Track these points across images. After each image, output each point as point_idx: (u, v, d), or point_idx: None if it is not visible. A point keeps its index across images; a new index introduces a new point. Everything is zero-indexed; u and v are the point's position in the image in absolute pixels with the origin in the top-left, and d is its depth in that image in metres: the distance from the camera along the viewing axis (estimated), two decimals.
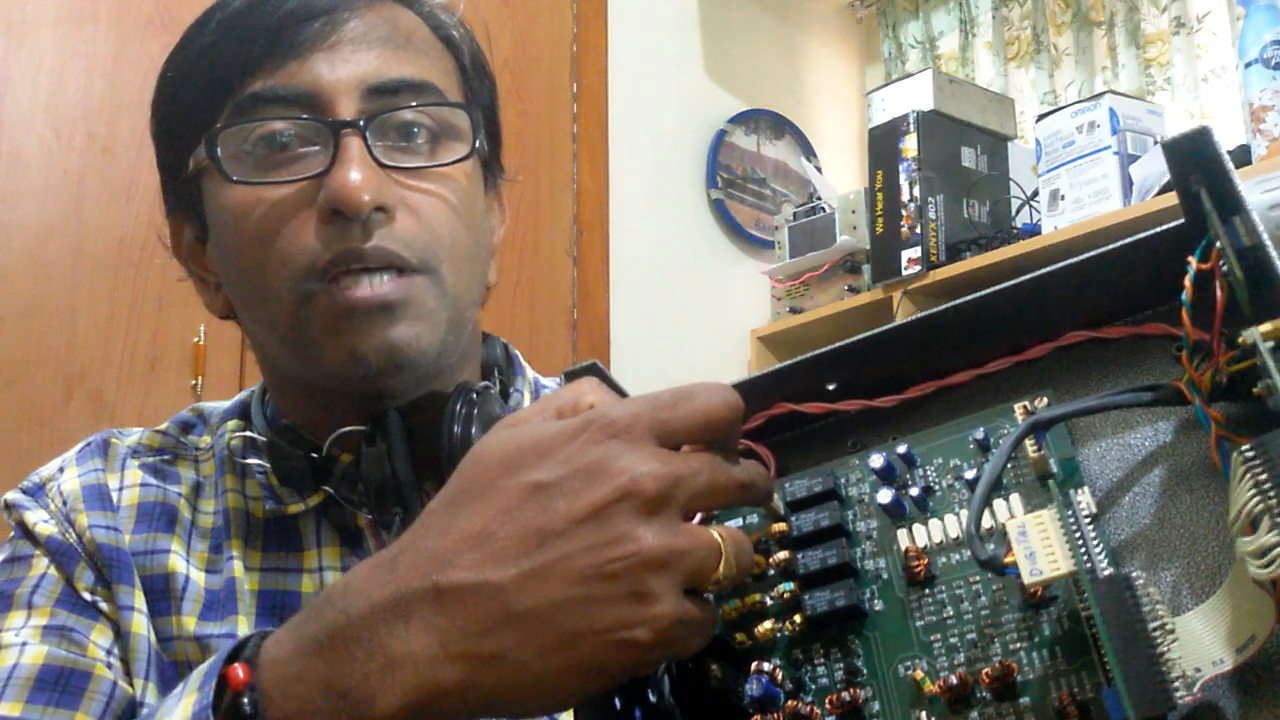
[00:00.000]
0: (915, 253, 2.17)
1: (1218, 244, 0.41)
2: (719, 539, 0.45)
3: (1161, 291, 0.46)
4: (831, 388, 0.52)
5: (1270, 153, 1.78)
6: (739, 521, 0.53)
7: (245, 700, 0.45)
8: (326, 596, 0.47)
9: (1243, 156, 1.87)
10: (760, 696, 0.46)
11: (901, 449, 0.49)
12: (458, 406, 0.70)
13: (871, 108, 2.39)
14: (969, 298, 0.48)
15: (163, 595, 0.74)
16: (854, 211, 2.37)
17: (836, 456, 0.52)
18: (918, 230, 2.17)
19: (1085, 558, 0.41)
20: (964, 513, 0.47)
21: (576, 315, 2.37)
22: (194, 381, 1.90)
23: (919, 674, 0.45)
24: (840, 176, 2.78)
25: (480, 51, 0.81)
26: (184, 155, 0.75)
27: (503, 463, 0.46)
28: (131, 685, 0.71)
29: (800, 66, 2.89)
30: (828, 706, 0.46)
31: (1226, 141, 2.12)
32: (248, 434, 0.79)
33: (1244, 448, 0.37)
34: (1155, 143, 2.00)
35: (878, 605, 0.47)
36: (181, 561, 0.75)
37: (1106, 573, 0.41)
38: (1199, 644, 0.39)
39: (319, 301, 0.69)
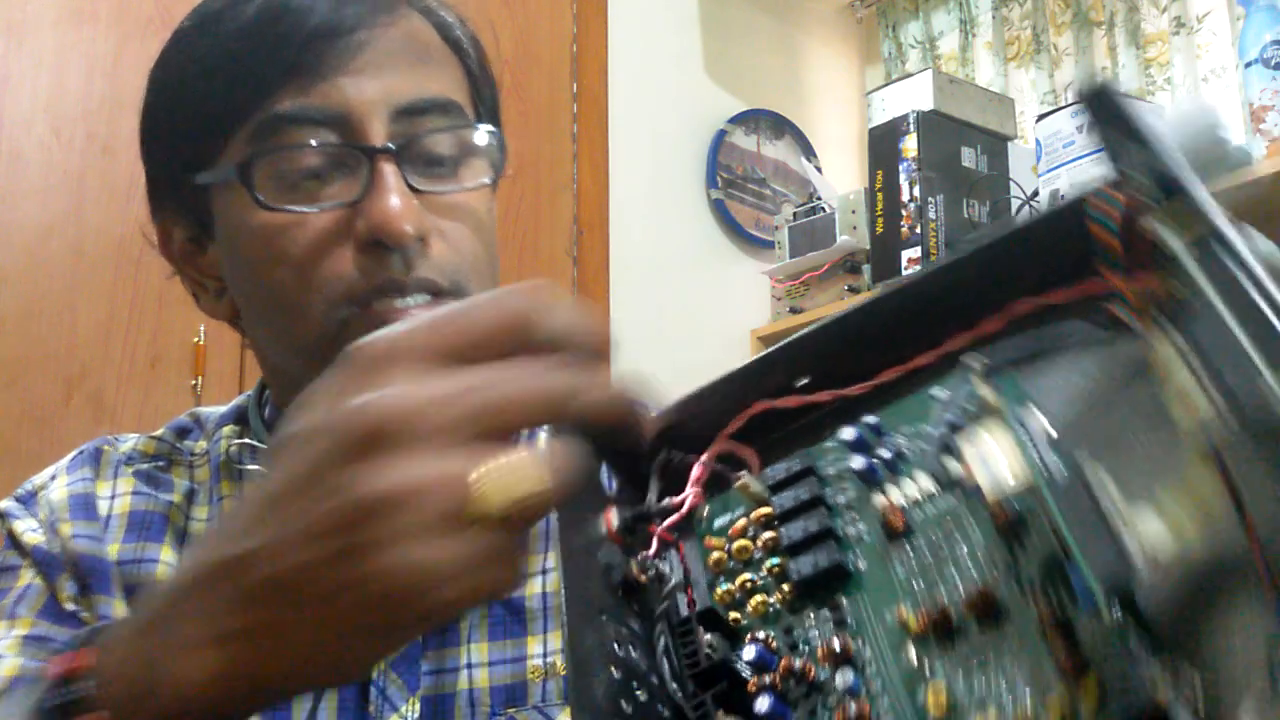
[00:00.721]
0: (915, 253, 2.17)
1: (1129, 173, 0.44)
2: (469, 471, 0.40)
3: (1081, 254, 0.48)
4: (803, 382, 0.53)
5: (1270, 153, 1.78)
6: (728, 516, 0.53)
7: (83, 687, 0.44)
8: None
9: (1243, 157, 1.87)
10: (755, 661, 0.47)
11: (870, 419, 0.51)
12: None
13: (871, 108, 2.39)
14: (917, 275, 0.50)
15: None
16: (854, 211, 2.37)
17: (813, 446, 0.53)
18: (918, 230, 2.18)
19: (1041, 462, 0.43)
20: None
21: None
22: (194, 381, 1.90)
23: (904, 614, 0.46)
24: (840, 176, 2.78)
25: (483, 49, 0.80)
26: (188, 163, 0.73)
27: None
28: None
29: (800, 66, 2.89)
30: (820, 657, 0.47)
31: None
32: (247, 441, 0.78)
33: (1169, 326, 0.40)
34: None
35: (862, 565, 0.49)
36: (170, 572, 0.74)
37: (1062, 472, 0.43)
38: (1159, 532, 0.40)
39: (356, 328, 0.68)
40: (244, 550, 0.42)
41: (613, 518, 0.50)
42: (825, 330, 0.51)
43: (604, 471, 0.53)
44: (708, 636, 0.48)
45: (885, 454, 0.50)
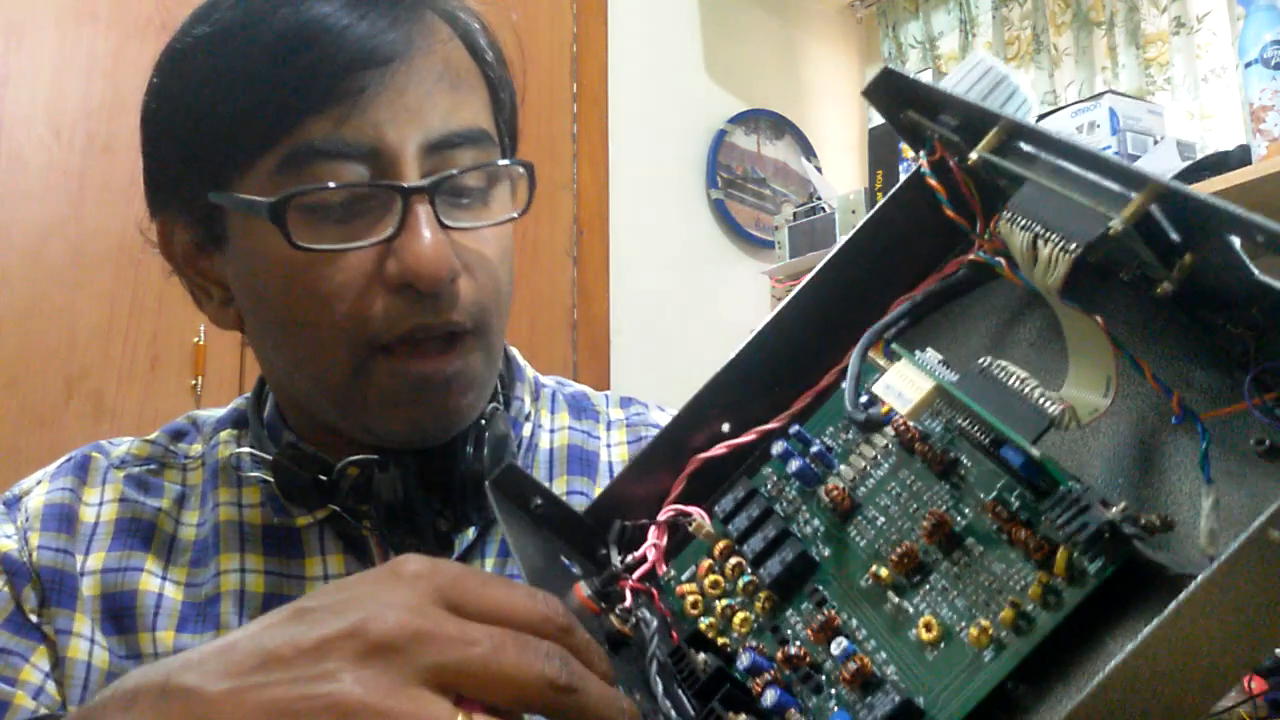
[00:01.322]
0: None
1: (937, 138, 0.49)
2: (457, 718, 0.41)
3: (947, 236, 0.53)
4: (726, 429, 0.57)
5: (1270, 153, 1.78)
6: (693, 567, 0.55)
7: None
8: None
9: (1243, 156, 1.87)
10: (750, 666, 0.48)
11: (794, 429, 0.55)
12: (469, 433, 0.72)
13: (871, 108, 2.38)
14: (784, 304, 0.55)
15: (129, 613, 0.73)
16: (854, 211, 2.37)
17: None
18: None
19: (939, 375, 0.48)
20: (864, 448, 0.52)
21: (576, 315, 2.37)
22: (194, 381, 1.90)
23: (876, 570, 0.48)
24: (840, 176, 2.78)
25: (500, 52, 0.77)
26: (203, 176, 0.70)
27: (315, 591, 0.46)
28: (65, 710, 0.70)
29: (800, 66, 2.89)
30: (811, 638, 0.48)
31: (1226, 141, 2.13)
32: (248, 450, 0.77)
33: (1003, 213, 0.45)
34: (1155, 143, 2.00)
35: (825, 552, 0.52)
36: (155, 580, 0.74)
37: (958, 376, 0.48)
38: (1075, 405, 0.43)
39: (380, 371, 0.68)
40: (215, 690, 0.42)
41: (583, 588, 0.51)
42: (725, 374, 0.56)
43: (562, 556, 0.55)
44: (701, 656, 0.49)
45: (814, 450, 0.54)
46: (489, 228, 0.70)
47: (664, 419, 0.85)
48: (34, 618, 0.72)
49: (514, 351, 0.85)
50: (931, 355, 0.50)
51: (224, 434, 0.80)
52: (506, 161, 0.72)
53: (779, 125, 2.79)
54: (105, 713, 0.44)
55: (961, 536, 0.46)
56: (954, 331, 0.54)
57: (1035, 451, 0.41)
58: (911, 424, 0.49)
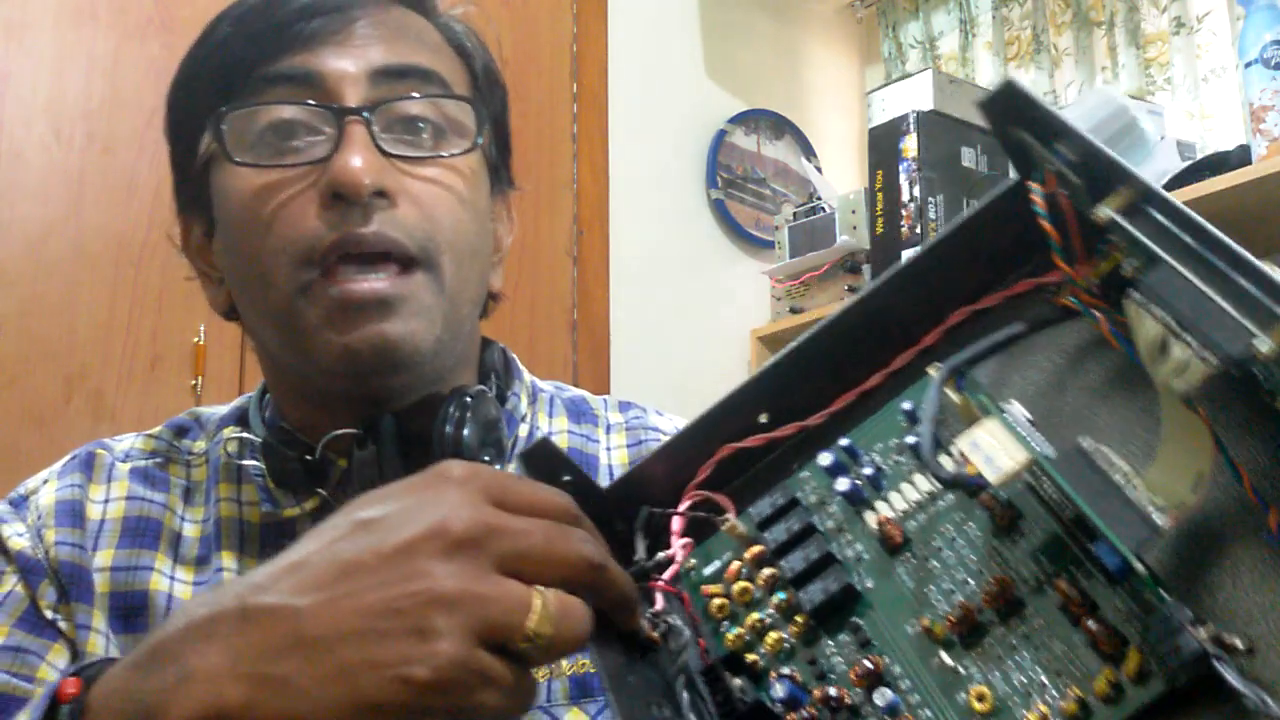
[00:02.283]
0: (915, 252, 2.17)
1: (1051, 169, 0.45)
2: (535, 597, 0.45)
3: (1020, 252, 0.50)
4: (764, 420, 0.55)
5: (1270, 153, 1.78)
6: (717, 562, 0.53)
7: (65, 710, 0.46)
8: (165, 620, 0.48)
9: (1243, 156, 1.86)
10: (786, 698, 0.47)
11: (844, 443, 0.52)
12: (451, 409, 0.70)
13: (871, 108, 2.39)
14: (851, 302, 0.52)
15: (140, 613, 0.73)
16: (854, 211, 2.37)
17: (786, 480, 0.54)
18: (918, 230, 2.17)
19: (1036, 446, 0.44)
20: (918, 477, 0.50)
21: (576, 315, 2.37)
22: (194, 381, 1.90)
23: (926, 623, 0.46)
24: (840, 176, 2.78)
25: (493, 62, 0.81)
26: (194, 144, 0.75)
27: (347, 507, 0.48)
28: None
29: (800, 66, 2.89)
30: (853, 680, 0.47)
31: (1227, 142, 2.13)
32: (245, 435, 0.78)
33: (1133, 293, 0.41)
34: (1155, 143, 2.00)
35: (868, 584, 0.49)
36: (165, 580, 0.74)
37: (1056, 454, 0.45)
38: (1162, 494, 0.41)
39: (315, 293, 0.69)
40: (303, 603, 0.44)
41: None
42: (777, 367, 0.53)
43: None
44: (737, 681, 0.48)
45: (865, 472, 0.51)
46: (439, 164, 0.72)
47: (663, 423, 0.86)
48: (50, 614, 0.72)
49: (512, 355, 0.86)
50: (1018, 411, 0.47)
51: (227, 430, 0.80)
52: (445, 94, 0.74)
53: (779, 125, 2.78)
54: (185, 642, 0.44)
55: (1021, 602, 0.44)
56: (1015, 361, 0.51)
57: (1141, 566, 0.39)
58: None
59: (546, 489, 0.50)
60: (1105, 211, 0.42)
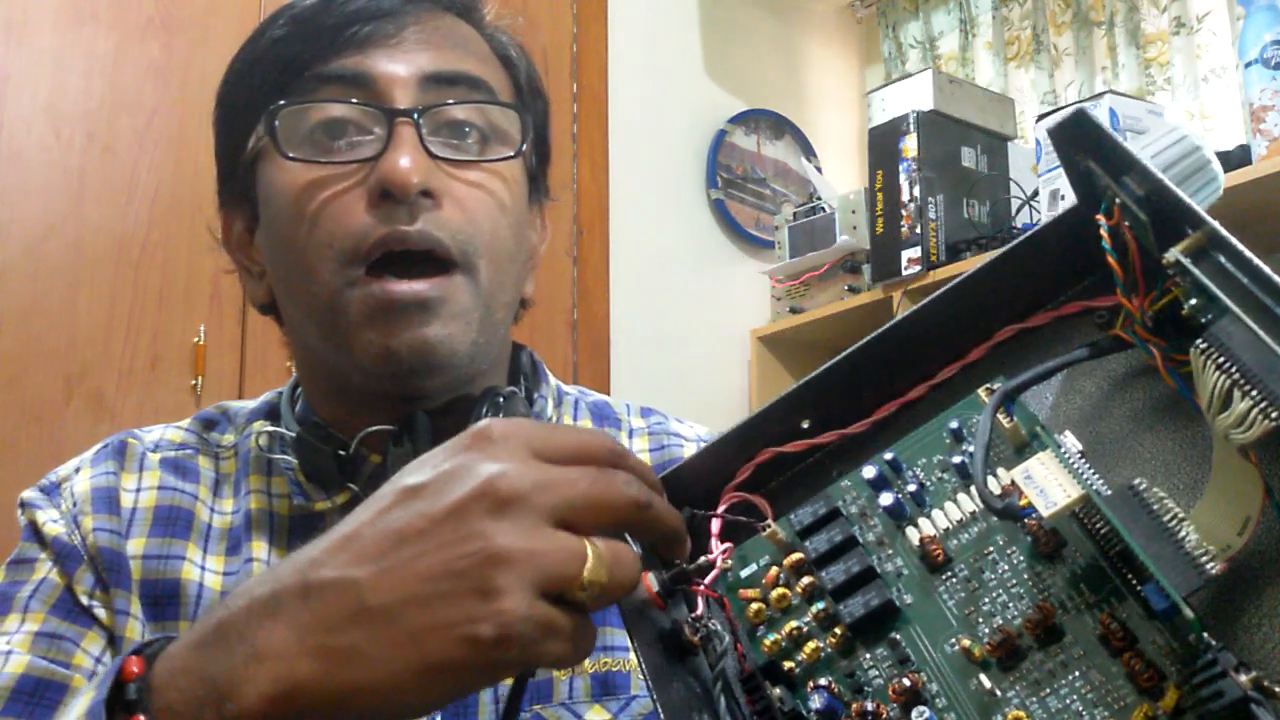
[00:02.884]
0: (915, 253, 2.17)
1: (1117, 201, 0.46)
2: (587, 546, 0.45)
3: (1071, 273, 0.51)
4: (805, 426, 0.55)
5: (1270, 153, 1.78)
6: (754, 566, 0.54)
7: (132, 688, 0.46)
8: (223, 598, 0.48)
9: (1243, 156, 1.87)
10: (823, 709, 0.47)
11: (888, 456, 0.52)
12: (484, 409, 0.72)
13: (871, 108, 2.39)
14: (905, 314, 0.52)
15: (171, 601, 0.74)
16: (854, 211, 2.37)
17: (825, 488, 0.54)
18: (918, 230, 2.17)
19: (1088, 482, 0.45)
20: (961, 497, 0.50)
21: (576, 315, 2.37)
22: (194, 381, 1.90)
23: (966, 644, 0.46)
24: (840, 176, 2.78)
25: (536, 74, 0.83)
26: (243, 138, 0.77)
27: (399, 474, 0.48)
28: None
29: (800, 66, 2.89)
30: (891, 696, 0.47)
31: (1227, 142, 2.13)
32: (275, 429, 0.79)
33: (1199, 341, 0.41)
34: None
35: (908, 599, 0.49)
36: (196, 569, 0.75)
37: (1109, 491, 0.45)
38: (1206, 536, 0.41)
39: (358, 291, 0.71)
40: (362, 574, 0.44)
41: (651, 581, 0.51)
42: (823, 375, 0.53)
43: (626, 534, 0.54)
44: (776, 691, 0.48)
45: (909, 488, 0.51)
46: (483, 169, 0.74)
47: (683, 429, 0.88)
48: (86, 600, 0.73)
49: (539, 359, 0.88)
50: (1072, 444, 0.47)
51: (257, 424, 0.82)
52: (492, 101, 0.76)
53: (779, 125, 2.78)
54: (251, 621, 0.45)
55: (1061, 630, 0.45)
56: (1063, 385, 0.51)
57: (1190, 613, 0.40)
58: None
59: (587, 432, 0.51)
60: (1174, 254, 0.42)
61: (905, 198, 2.19)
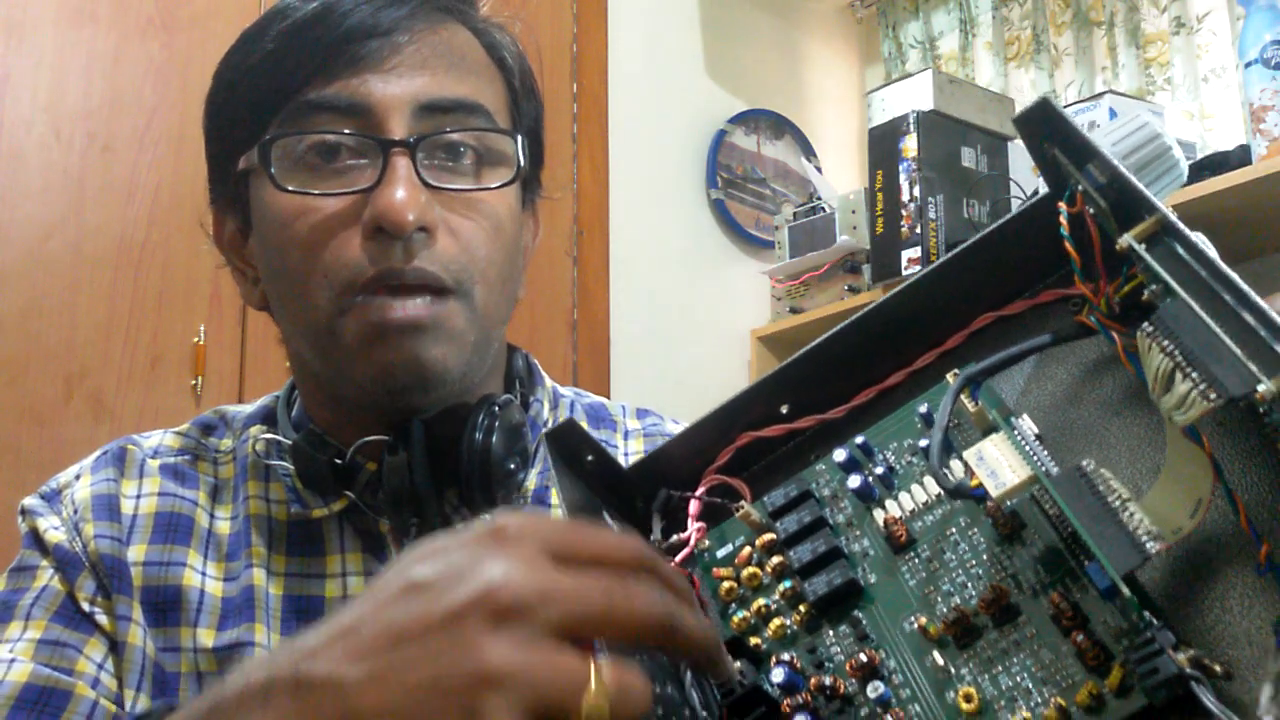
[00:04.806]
0: (915, 253, 2.17)
1: (1080, 188, 0.46)
2: (590, 669, 0.42)
3: (1049, 262, 0.51)
4: (784, 410, 0.56)
5: (1270, 153, 1.78)
6: (730, 546, 0.55)
7: None
8: (224, 678, 0.47)
9: (1243, 156, 1.87)
10: (784, 683, 0.48)
11: (859, 440, 0.54)
12: (480, 418, 0.72)
13: (871, 108, 2.39)
14: (877, 301, 0.53)
15: (173, 607, 0.74)
16: (854, 211, 2.37)
17: (802, 472, 0.56)
18: (918, 230, 2.17)
19: (1040, 464, 0.46)
20: (928, 480, 0.51)
21: (576, 315, 2.37)
22: (194, 381, 1.90)
23: (923, 622, 0.48)
24: (840, 176, 2.78)
25: (530, 73, 0.83)
26: (235, 153, 0.76)
27: (403, 561, 0.46)
28: (122, 698, 0.71)
29: (800, 66, 2.89)
30: (849, 671, 0.48)
31: (1226, 141, 2.13)
32: (273, 436, 0.79)
33: (1145, 325, 0.42)
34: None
35: (871, 578, 0.51)
36: (196, 575, 0.75)
37: (1060, 469, 0.46)
38: (1157, 518, 0.42)
39: (355, 316, 0.71)
40: (353, 675, 0.42)
41: None
42: (802, 360, 0.54)
43: (604, 513, 0.55)
44: (737, 664, 0.49)
45: (878, 470, 0.52)
46: (479, 194, 0.74)
47: (679, 430, 0.87)
48: (88, 607, 0.73)
49: (534, 361, 0.88)
50: (1027, 427, 0.48)
51: (254, 429, 0.82)
52: (500, 130, 0.75)
53: (779, 125, 2.78)
54: (243, 709, 0.44)
55: (1016, 610, 0.46)
56: (1035, 371, 0.52)
57: (1127, 591, 0.40)
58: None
59: (613, 535, 0.47)
60: (1127, 240, 0.43)
61: (905, 198, 2.19)
